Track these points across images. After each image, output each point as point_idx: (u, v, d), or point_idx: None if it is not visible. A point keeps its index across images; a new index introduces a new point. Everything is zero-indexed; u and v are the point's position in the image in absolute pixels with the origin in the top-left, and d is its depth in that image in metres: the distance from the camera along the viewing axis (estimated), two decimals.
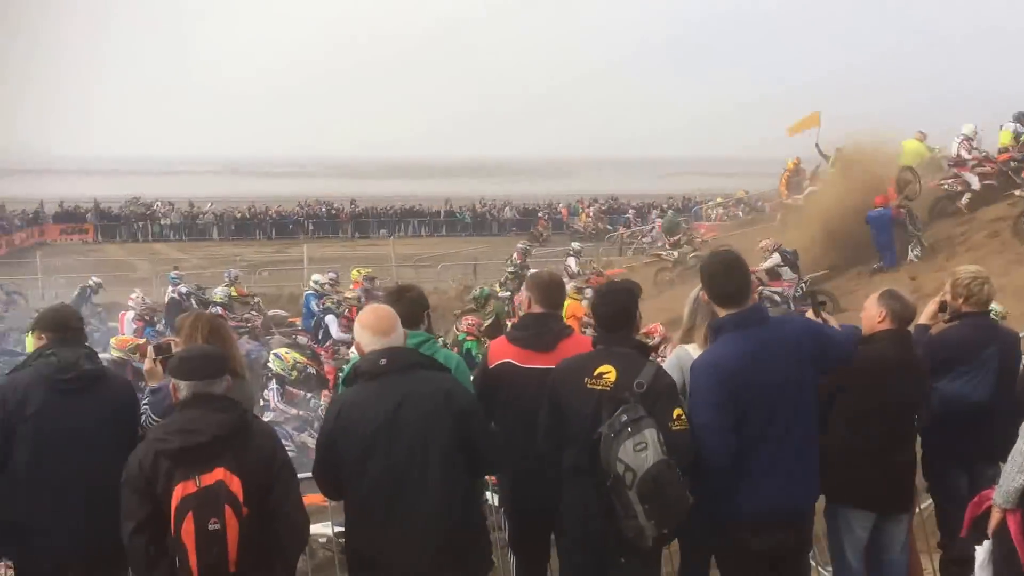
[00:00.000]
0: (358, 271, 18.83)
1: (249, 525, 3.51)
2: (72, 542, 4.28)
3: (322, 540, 6.37)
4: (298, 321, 17.57)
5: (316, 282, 17.32)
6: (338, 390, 6.10)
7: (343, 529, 5.76)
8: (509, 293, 18.82)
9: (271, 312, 18.47)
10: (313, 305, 16.42)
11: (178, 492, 3.45)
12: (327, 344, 15.08)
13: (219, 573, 3.47)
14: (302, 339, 15.71)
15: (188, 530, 3.42)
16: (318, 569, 6.17)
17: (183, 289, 18.32)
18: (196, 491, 3.45)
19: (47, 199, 44.37)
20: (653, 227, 33.99)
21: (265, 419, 9.32)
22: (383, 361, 3.79)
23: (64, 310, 4.84)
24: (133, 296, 16.48)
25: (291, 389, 10.44)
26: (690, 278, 18.28)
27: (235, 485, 3.48)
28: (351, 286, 18.77)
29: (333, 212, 44.08)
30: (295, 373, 10.36)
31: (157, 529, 3.52)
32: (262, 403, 9.93)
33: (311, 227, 42.20)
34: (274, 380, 10.25)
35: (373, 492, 3.77)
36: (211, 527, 3.43)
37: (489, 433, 4.04)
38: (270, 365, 10.51)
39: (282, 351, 10.98)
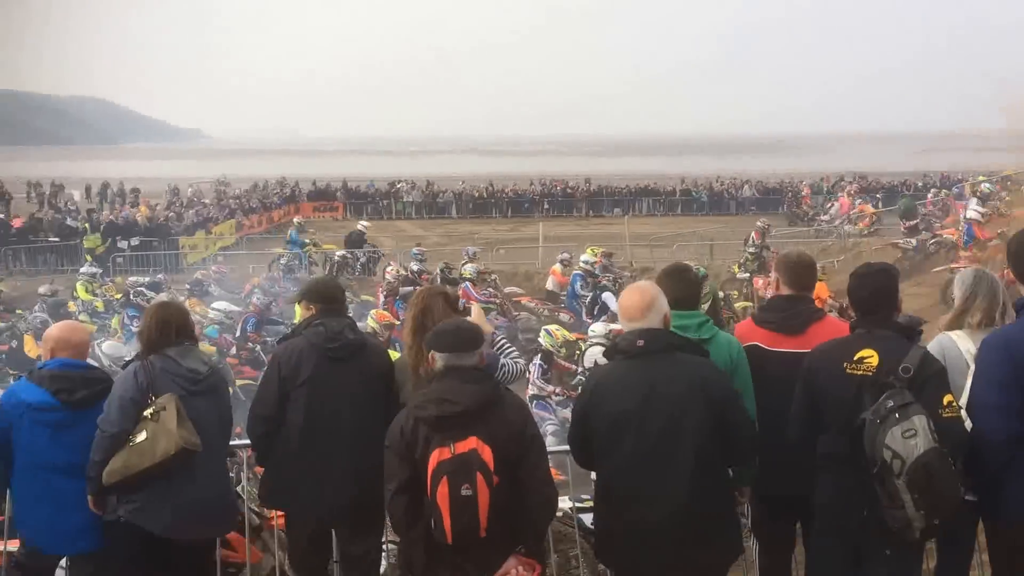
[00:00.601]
0: (592, 250, 18.91)
1: (499, 494, 3.59)
2: (338, 500, 4.58)
3: (558, 514, 6.45)
4: (528, 300, 17.94)
5: (586, 262, 17.48)
6: None
7: (580, 504, 5.92)
8: (748, 275, 18.21)
9: (507, 289, 18.94)
10: (578, 285, 16.65)
11: (434, 457, 3.59)
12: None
13: (470, 537, 3.59)
14: (564, 316, 16.05)
15: (443, 494, 3.55)
16: (557, 541, 6.25)
17: (415, 267, 19.14)
18: (451, 457, 3.57)
19: (302, 178, 47.61)
20: (834, 205, 32.00)
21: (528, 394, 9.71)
22: (640, 342, 3.78)
23: (330, 282, 5.15)
24: (389, 270, 17.33)
25: (562, 363, 10.61)
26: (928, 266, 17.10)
27: (487, 454, 3.58)
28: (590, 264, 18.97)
29: (568, 191, 44.49)
30: (563, 350, 10.53)
31: (416, 491, 3.70)
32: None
33: (546, 205, 42.78)
34: (539, 356, 10.46)
35: (622, 471, 3.81)
36: (463, 492, 3.54)
37: (746, 423, 3.88)
38: (539, 340, 10.83)
39: (552, 327, 11.25)
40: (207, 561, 4.88)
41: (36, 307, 15.48)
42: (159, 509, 4.35)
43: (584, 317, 15.51)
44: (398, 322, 14.06)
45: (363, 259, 24.68)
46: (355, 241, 25.25)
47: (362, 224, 26.20)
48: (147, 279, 18.09)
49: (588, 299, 16.51)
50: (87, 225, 27.34)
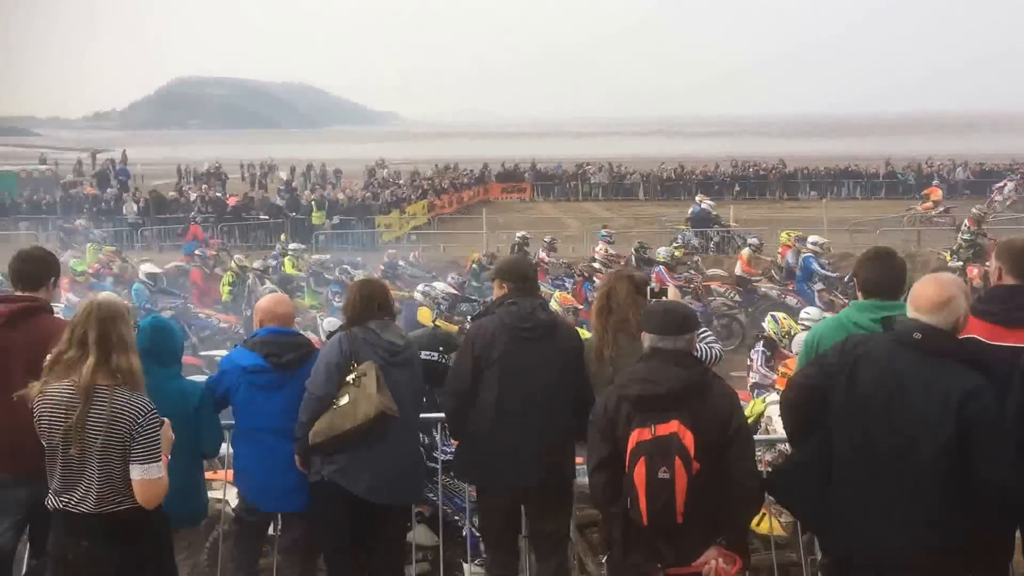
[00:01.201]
0: (787, 234, 18.21)
1: (699, 481, 3.49)
2: (528, 477, 4.62)
3: None
4: (718, 285, 17.43)
5: (815, 243, 16.91)
6: None
7: None
8: (961, 263, 16.97)
9: (710, 271, 18.55)
10: (815, 266, 16.12)
11: (634, 437, 3.56)
12: None
13: (666, 520, 3.53)
14: (791, 300, 15.57)
15: (639, 474, 3.51)
16: None
17: (609, 250, 19.02)
18: (650, 439, 3.52)
19: (492, 160, 48.43)
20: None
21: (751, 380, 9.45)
22: (918, 335, 3.47)
23: (524, 262, 5.16)
24: (597, 249, 17.11)
25: (785, 352, 10.28)
26: None
27: (687, 439, 3.49)
28: (779, 250, 18.26)
29: (761, 173, 43.04)
30: (786, 340, 10.17)
31: (616, 469, 3.67)
32: (747, 363, 9.99)
33: (737, 188, 41.51)
34: (762, 342, 10.19)
35: (859, 463, 3.54)
36: (660, 475, 3.48)
37: (1000, 467, 3.40)
38: (764, 326, 10.55)
39: (779, 315, 10.89)
40: (403, 531, 5.00)
41: (250, 280, 16.38)
42: (359, 471, 4.52)
43: (816, 301, 14.72)
44: (582, 305, 14.07)
45: (716, 239, 24.17)
46: (702, 220, 24.58)
47: (707, 203, 25.60)
48: (326, 256, 18.92)
49: (824, 282, 15.85)
50: (314, 202, 28.75)
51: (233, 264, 16.95)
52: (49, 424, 3.70)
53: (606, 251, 19.52)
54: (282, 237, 23.96)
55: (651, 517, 3.52)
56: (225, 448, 5.12)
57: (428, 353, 5.81)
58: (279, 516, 5.07)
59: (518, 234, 20.94)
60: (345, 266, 16.93)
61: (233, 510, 5.29)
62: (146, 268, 15.34)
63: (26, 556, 4.85)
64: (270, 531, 5.25)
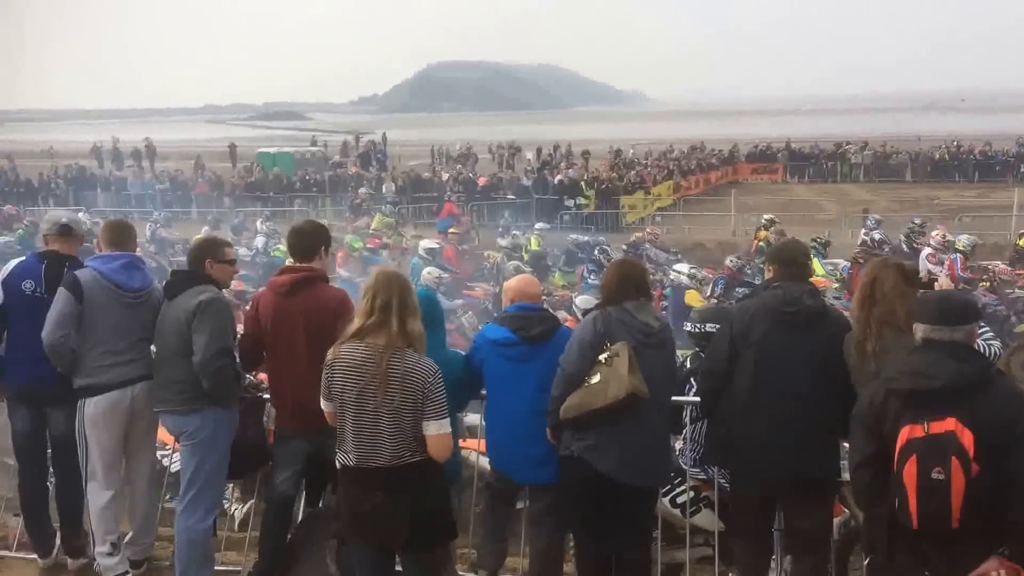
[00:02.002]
0: None
1: (978, 484, 3.22)
2: (783, 468, 4.45)
3: None
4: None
5: None
6: None
7: None
8: None
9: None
10: None
11: (904, 434, 3.33)
12: None
13: (940, 525, 3.28)
14: None
15: (910, 474, 3.29)
16: None
17: (876, 235, 17.72)
18: (923, 437, 3.28)
19: (741, 139, 46.95)
20: None
21: None
22: None
23: (795, 245, 4.94)
24: (934, 234, 15.88)
25: None
26: None
27: (966, 439, 3.22)
28: None
29: None
30: None
31: (881, 467, 3.47)
32: None
33: (1023, 169, 37.50)
34: None
35: None
36: (934, 475, 3.24)
37: None
38: None
39: None
40: (648, 515, 4.95)
41: (500, 258, 16.84)
42: (608, 449, 4.51)
43: None
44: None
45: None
46: None
47: None
48: (584, 237, 18.90)
49: None
50: (583, 183, 29.15)
51: (501, 242, 17.48)
52: (343, 383, 4.06)
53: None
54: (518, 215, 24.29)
55: (922, 520, 3.29)
56: (478, 419, 5.32)
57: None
58: (527, 487, 5.16)
59: (765, 216, 20.16)
60: (604, 246, 16.81)
61: (484, 479, 5.46)
62: (425, 243, 15.98)
63: (302, 504, 5.26)
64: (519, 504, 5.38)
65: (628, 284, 4.69)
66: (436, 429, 4.01)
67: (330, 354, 4.14)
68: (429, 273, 12.86)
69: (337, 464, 4.19)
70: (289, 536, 5.08)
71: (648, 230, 20.23)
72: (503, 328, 4.93)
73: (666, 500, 5.41)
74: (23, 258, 5.46)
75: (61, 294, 4.96)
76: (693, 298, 11.88)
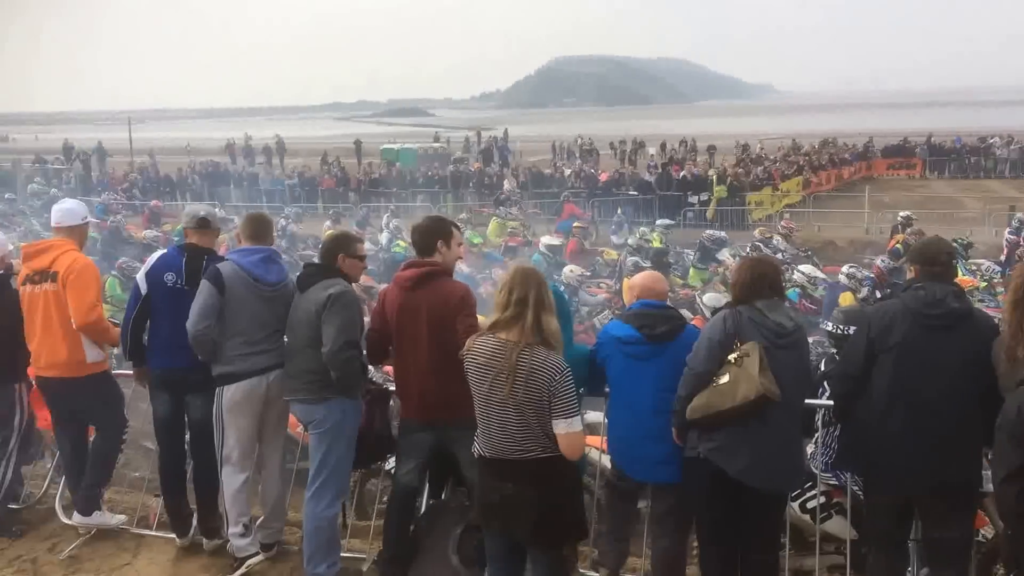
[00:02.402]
0: None
1: None
2: (923, 476, 4.27)
3: None
4: None
5: None
6: None
7: None
8: None
9: None
10: None
11: None
12: None
13: None
14: None
15: None
16: None
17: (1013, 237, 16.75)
18: None
19: (877, 134, 45.20)
20: None
21: None
22: None
23: (937, 244, 4.70)
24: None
25: None
26: None
27: None
28: None
29: None
30: None
31: None
32: None
33: None
34: None
35: None
36: None
37: None
38: None
39: None
40: (777, 521, 4.81)
41: (622, 255, 16.69)
42: (736, 451, 4.41)
43: None
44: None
45: None
46: None
47: None
48: (721, 233, 18.47)
49: None
50: (715, 176, 28.62)
51: (629, 240, 17.43)
52: (477, 376, 4.14)
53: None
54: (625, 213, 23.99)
55: None
56: (600, 416, 5.28)
57: None
58: (649, 486, 5.09)
59: (901, 214, 19.35)
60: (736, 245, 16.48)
61: (605, 476, 5.42)
62: (546, 240, 16.02)
63: (425, 495, 5.34)
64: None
65: (762, 282, 4.55)
66: (565, 427, 3.99)
67: (466, 346, 4.21)
68: (572, 271, 12.78)
69: (474, 452, 4.28)
70: (413, 526, 5.15)
71: (784, 222, 19.75)
72: (627, 325, 4.88)
73: (795, 505, 5.26)
74: (164, 251, 5.71)
75: (204, 286, 5.15)
76: (847, 299, 11.47)
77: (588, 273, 13.57)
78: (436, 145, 49.00)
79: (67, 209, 5.90)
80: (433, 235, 5.06)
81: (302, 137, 70.14)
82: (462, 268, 14.57)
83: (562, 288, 11.85)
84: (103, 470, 5.91)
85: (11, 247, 6.69)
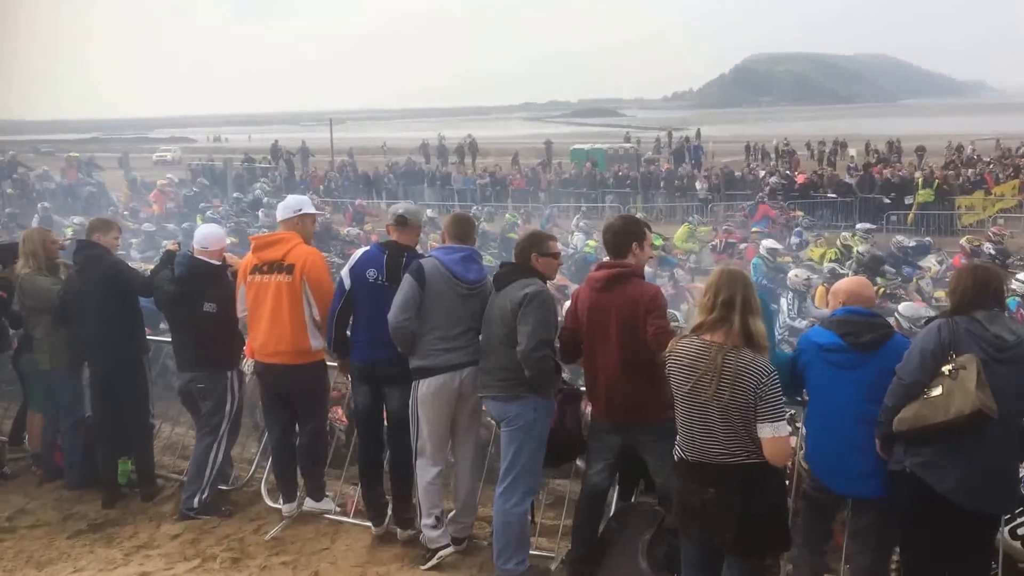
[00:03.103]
0: None
1: None
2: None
3: None
4: None
5: None
6: None
7: None
8: None
9: None
10: None
11: None
12: None
13: None
14: None
15: None
16: None
17: None
18: None
19: None
20: None
21: None
22: None
23: None
24: None
25: None
26: None
27: None
28: None
29: None
30: None
31: None
32: None
33: None
34: None
35: None
36: None
37: None
38: None
39: None
40: (986, 543, 4.49)
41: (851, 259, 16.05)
42: (946, 468, 4.17)
43: None
44: None
45: None
46: None
47: None
48: (910, 242, 17.44)
49: None
50: (920, 179, 27.27)
51: (838, 242, 16.97)
52: (679, 378, 4.09)
53: None
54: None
55: None
56: (800, 427, 5.09)
57: None
58: (849, 499, 4.85)
59: None
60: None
61: (802, 486, 5.21)
62: (767, 244, 15.59)
63: (614, 498, 5.31)
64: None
65: (984, 291, 4.27)
66: (771, 432, 3.90)
67: (668, 347, 4.16)
68: (796, 276, 12.38)
69: (674, 456, 4.23)
70: (602, 528, 5.13)
71: (995, 228, 18.46)
72: (830, 332, 4.67)
73: (1006, 531, 4.89)
74: (368, 248, 5.93)
75: (406, 280, 5.33)
76: None
77: (815, 276, 12.99)
78: (626, 145, 48.78)
79: (286, 204, 6.22)
80: (627, 236, 5.04)
81: (493, 137, 71.56)
82: (647, 269, 14.43)
83: (790, 294, 11.58)
84: (319, 458, 6.21)
85: (228, 241, 7.12)
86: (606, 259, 5.22)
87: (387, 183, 37.12)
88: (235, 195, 30.36)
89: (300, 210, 6.12)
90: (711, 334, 4.00)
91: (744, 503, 3.94)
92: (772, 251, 14.77)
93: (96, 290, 6.41)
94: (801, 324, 11.02)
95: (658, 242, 16.40)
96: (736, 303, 3.98)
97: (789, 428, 3.94)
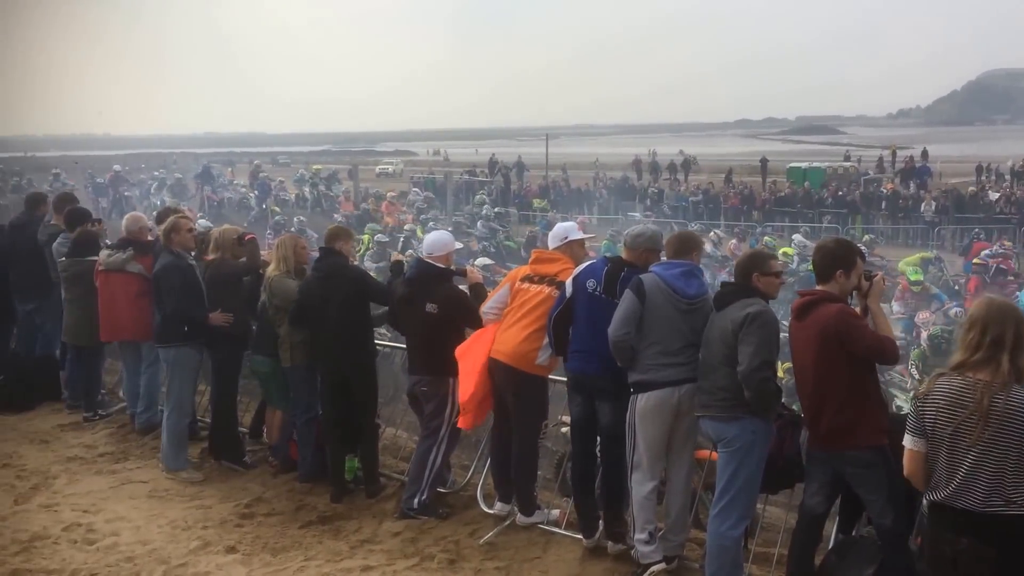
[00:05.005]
0: None
1: None
2: None
3: None
4: None
5: None
6: None
7: None
8: None
9: None
10: None
11: None
12: None
13: None
14: None
15: None
16: None
17: None
18: None
19: None
20: None
21: None
22: None
23: None
24: None
25: None
26: None
27: None
28: None
29: None
30: None
31: None
32: None
33: None
34: None
35: None
36: None
37: None
38: None
39: None
40: None
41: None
42: None
43: None
44: None
45: None
46: None
47: None
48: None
49: None
50: None
51: None
52: (936, 418, 3.84)
53: None
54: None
55: None
56: None
57: None
58: None
59: None
60: None
61: None
62: None
63: (834, 530, 5.13)
64: None
65: None
66: None
67: (924, 386, 3.97)
68: None
69: (926, 499, 4.00)
70: (822, 560, 4.96)
71: None
72: None
73: None
74: (593, 260, 6.03)
75: (627, 295, 5.40)
76: None
77: None
78: (846, 164, 46.78)
79: (554, 233, 6.43)
80: (834, 261, 4.91)
81: (707, 154, 70.48)
82: (894, 307, 13.80)
83: None
84: (529, 469, 6.30)
85: (458, 246, 7.39)
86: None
87: (598, 198, 37.36)
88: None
89: (566, 238, 6.30)
90: (975, 372, 3.74)
91: (1001, 558, 3.67)
92: None
93: (339, 295, 6.83)
94: None
95: (915, 276, 15.47)
96: (1007, 340, 3.71)
97: None
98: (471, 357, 6.28)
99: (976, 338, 3.77)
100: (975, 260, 18.69)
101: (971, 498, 3.72)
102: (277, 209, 32.38)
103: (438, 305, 6.48)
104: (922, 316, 14.24)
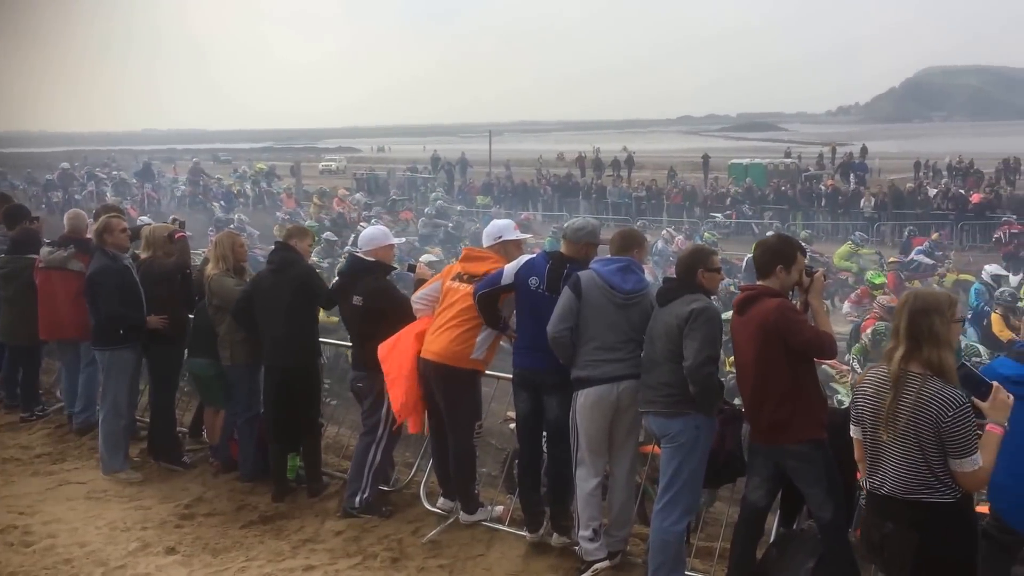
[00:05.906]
0: None
1: None
2: None
3: None
4: None
5: None
6: None
7: None
8: None
9: None
10: None
11: None
12: None
13: None
14: None
15: None
16: None
17: None
18: None
19: None
20: None
21: None
22: None
23: None
24: None
25: None
26: None
27: None
28: None
29: None
30: None
31: None
32: None
33: None
34: None
35: None
36: None
37: None
38: None
39: None
40: None
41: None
42: None
43: None
44: None
45: None
46: None
47: None
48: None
49: None
50: None
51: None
52: (863, 407, 3.98)
53: None
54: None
55: None
56: None
57: None
58: None
59: None
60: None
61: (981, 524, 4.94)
62: (991, 269, 14.87)
63: (776, 524, 5.19)
64: None
65: None
66: (955, 467, 3.72)
67: (860, 376, 4.05)
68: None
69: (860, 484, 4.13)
70: (762, 555, 5.01)
71: None
72: (1019, 364, 4.46)
73: None
74: (534, 255, 5.99)
75: (564, 292, 5.40)
76: None
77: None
78: (787, 161, 47.51)
79: (488, 232, 6.34)
80: (773, 256, 4.96)
81: (649, 151, 70.98)
82: (845, 307, 14.09)
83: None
84: (467, 468, 6.23)
85: (395, 240, 7.28)
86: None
87: (542, 195, 37.44)
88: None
89: (500, 237, 6.24)
90: (903, 363, 3.83)
91: (922, 543, 3.76)
92: (996, 277, 14.09)
93: (286, 292, 6.74)
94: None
95: (877, 280, 15.65)
96: (924, 333, 3.80)
97: (976, 463, 3.70)
98: (394, 360, 6.20)
99: (899, 329, 3.87)
100: (890, 259, 19.38)
101: (893, 485, 3.83)
102: (217, 206, 31.95)
103: (363, 297, 6.46)
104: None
